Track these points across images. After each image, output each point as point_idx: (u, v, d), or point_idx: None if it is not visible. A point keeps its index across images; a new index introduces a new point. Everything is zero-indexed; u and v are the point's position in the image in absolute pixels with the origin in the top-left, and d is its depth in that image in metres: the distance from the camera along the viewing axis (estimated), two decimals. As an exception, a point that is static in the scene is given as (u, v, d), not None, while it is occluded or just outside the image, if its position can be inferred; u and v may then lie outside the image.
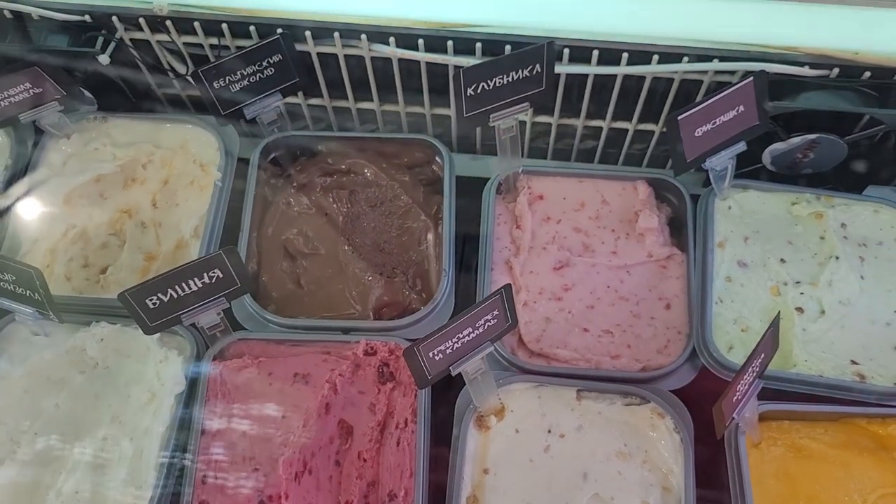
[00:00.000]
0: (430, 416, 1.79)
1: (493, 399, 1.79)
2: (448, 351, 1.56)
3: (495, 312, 1.57)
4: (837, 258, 1.88)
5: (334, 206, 2.01)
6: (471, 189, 2.09)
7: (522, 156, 2.27)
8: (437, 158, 2.09)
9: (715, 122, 1.76)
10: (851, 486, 1.73)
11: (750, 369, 1.56)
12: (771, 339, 1.60)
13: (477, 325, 1.56)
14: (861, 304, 1.85)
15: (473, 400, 1.74)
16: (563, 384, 1.82)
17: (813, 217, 1.95)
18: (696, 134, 1.76)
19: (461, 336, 1.55)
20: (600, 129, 2.16)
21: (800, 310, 1.84)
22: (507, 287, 1.54)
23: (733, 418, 1.60)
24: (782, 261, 1.90)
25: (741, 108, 1.77)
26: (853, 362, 1.80)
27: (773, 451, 1.77)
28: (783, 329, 1.84)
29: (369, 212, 2.00)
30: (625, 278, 1.95)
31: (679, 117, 1.72)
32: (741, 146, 1.83)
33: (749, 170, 2.05)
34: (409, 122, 2.24)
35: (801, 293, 1.86)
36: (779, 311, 1.57)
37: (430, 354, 1.54)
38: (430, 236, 1.97)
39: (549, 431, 1.78)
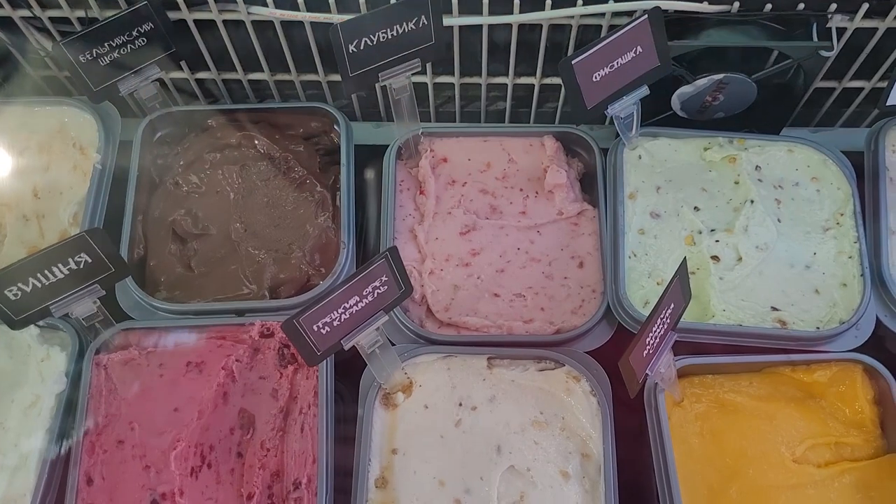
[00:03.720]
0: (333, 398, 1.68)
1: (399, 374, 1.68)
2: (336, 323, 1.45)
3: (383, 279, 1.46)
4: (752, 202, 1.80)
5: (225, 182, 1.88)
6: (375, 157, 1.98)
7: (432, 122, 2.17)
8: (335, 127, 1.97)
9: (613, 66, 1.67)
10: (779, 439, 1.65)
11: (658, 321, 1.46)
12: (680, 289, 1.50)
13: (364, 294, 1.45)
14: (779, 248, 1.77)
15: (375, 376, 1.63)
16: (472, 353, 1.71)
17: (726, 161, 1.87)
18: (593, 79, 1.67)
19: (347, 306, 1.44)
20: (506, 86, 2.05)
21: (716, 258, 1.76)
22: (392, 250, 1.43)
23: (647, 375, 1.51)
24: (696, 209, 1.82)
25: (639, 48, 1.67)
26: (774, 308, 1.72)
27: (696, 408, 1.69)
28: (700, 279, 1.75)
29: (262, 186, 1.88)
30: (535, 239, 1.86)
31: (573, 61, 1.62)
32: (644, 90, 1.74)
33: (661, 118, 1.96)
34: (315, 94, 2.12)
35: (717, 241, 1.77)
36: (685, 258, 1.47)
37: (315, 328, 1.42)
38: (328, 208, 1.85)
39: (461, 405, 1.68)
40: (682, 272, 1.48)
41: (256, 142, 1.92)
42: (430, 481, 1.61)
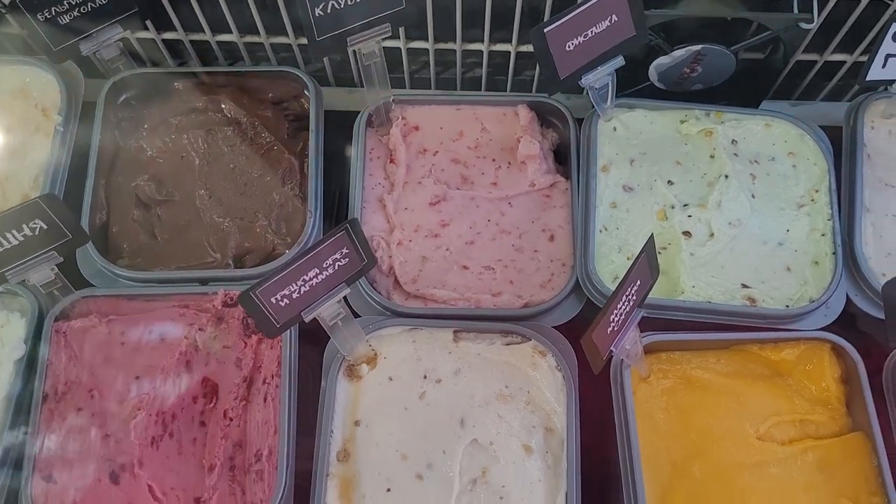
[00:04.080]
0: (296, 368, 1.66)
1: (363, 346, 1.66)
2: (295, 296, 1.42)
3: (344, 251, 1.43)
4: (727, 177, 1.77)
5: (190, 147, 1.83)
6: (348, 124, 1.93)
7: (407, 88, 2.11)
8: (305, 92, 1.92)
9: (587, 35, 1.62)
10: (744, 416, 1.64)
11: (624, 298, 1.44)
12: (647, 265, 1.48)
13: (324, 266, 1.42)
14: (752, 224, 1.75)
15: (339, 348, 1.61)
16: (438, 326, 1.69)
17: (702, 135, 1.83)
18: (567, 48, 1.62)
19: (307, 279, 1.41)
20: (482, 53, 2.00)
21: (687, 234, 1.73)
22: (352, 222, 1.40)
23: (611, 351, 1.49)
24: (670, 183, 1.79)
25: (614, 17, 1.63)
26: (744, 286, 1.70)
27: (662, 384, 1.67)
28: (670, 255, 1.73)
29: (228, 152, 1.83)
30: (506, 210, 1.83)
31: (545, 29, 1.57)
32: (619, 61, 1.69)
33: (639, 89, 1.91)
34: (287, 58, 2.06)
35: (689, 216, 1.75)
36: (651, 234, 1.44)
37: (273, 300, 1.39)
38: (296, 176, 1.81)
39: (425, 377, 1.66)
40: (649, 248, 1.46)
41: (223, 106, 1.87)
42: (392, 454, 1.60)
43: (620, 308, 1.44)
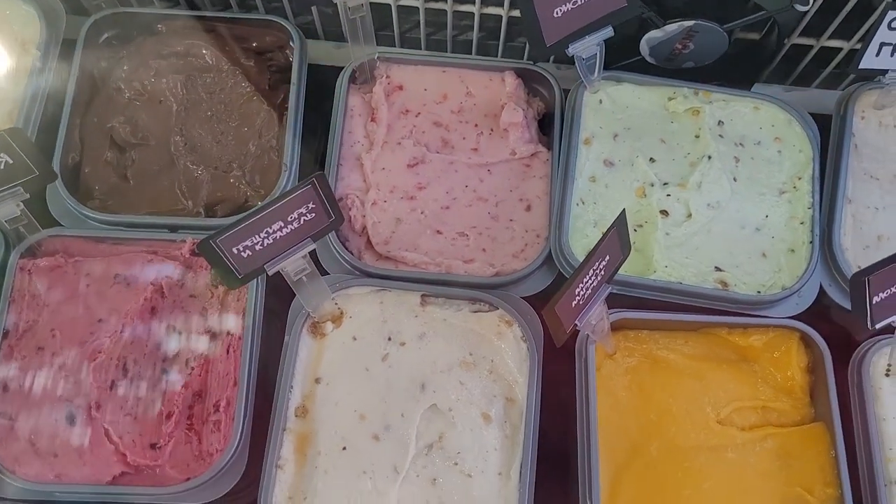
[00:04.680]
0: (261, 321, 1.65)
1: (329, 304, 1.65)
2: (258, 247, 1.40)
3: (310, 206, 1.41)
4: (710, 158, 1.74)
5: (169, 92, 1.81)
6: (332, 80, 1.90)
7: (396, 47, 2.08)
8: (290, 43, 1.88)
9: (576, 2, 1.59)
10: (706, 399, 1.64)
11: (591, 272, 1.42)
12: (618, 241, 1.46)
13: (289, 220, 1.40)
14: (731, 207, 1.72)
15: (303, 304, 1.60)
16: (406, 289, 1.68)
17: (689, 114, 1.80)
18: (555, 14, 1.59)
19: (271, 231, 1.39)
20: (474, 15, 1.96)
21: (664, 213, 1.71)
22: (319, 177, 1.37)
23: (576, 326, 1.48)
24: (652, 160, 1.76)
25: (606, -15, 1.59)
26: (717, 269, 1.68)
27: (628, 361, 1.66)
28: (646, 233, 1.71)
29: (207, 99, 1.81)
30: (485, 177, 1.80)
31: (533, -7, 1.54)
32: (608, 31, 1.66)
33: (630, 62, 1.88)
34: (278, 7, 2.02)
35: (668, 195, 1.72)
36: (623, 210, 1.42)
37: (235, 251, 1.38)
38: (274, 128, 1.78)
39: (390, 339, 1.65)
40: (621, 224, 1.44)
41: (205, 52, 1.84)
42: (350, 414, 1.60)
43: (587, 282, 1.43)
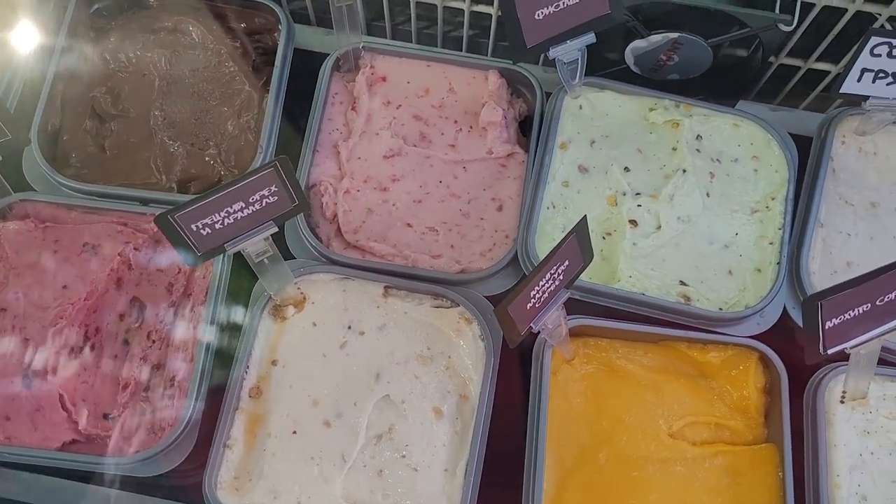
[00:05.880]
0: (224, 299, 1.66)
1: (292, 289, 1.65)
2: (218, 226, 1.41)
3: (272, 188, 1.41)
4: (685, 171, 1.74)
5: (153, 66, 1.82)
6: (321, 66, 1.90)
7: (387, 38, 2.08)
8: (279, 26, 1.89)
9: (558, 5, 1.58)
10: (660, 411, 1.64)
11: (548, 276, 1.42)
12: (578, 247, 1.46)
13: (251, 201, 1.41)
14: (702, 222, 1.72)
15: (265, 287, 1.61)
16: (370, 279, 1.68)
17: (669, 126, 1.80)
18: (536, 16, 1.58)
19: (231, 210, 1.40)
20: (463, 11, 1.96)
21: (633, 222, 1.71)
22: (282, 160, 1.38)
23: (531, 327, 1.48)
24: (627, 169, 1.76)
25: (590, -9, 1.59)
26: (682, 283, 1.68)
27: (585, 368, 1.66)
28: (614, 242, 1.71)
29: (190, 76, 1.81)
30: (459, 174, 1.80)
31: (515, -6, 1.54)
32: (590, 37, 1.65)
33: (615, 70, 1.88)
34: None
35: (639, 205, 1.72)
36: (584, 216, 1.42)
37: (194, 227, 1.39)
38: (254, 110, 1.79)
39: (350, 327, 1.66)
40: (581, 230, 1.44)
41: (192, 29, 1.85)
42: (304, 398, 1.60)
43: (543, 286, 1.43)
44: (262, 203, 1.43)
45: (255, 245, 1.49)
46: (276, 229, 1.49)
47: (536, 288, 1.42)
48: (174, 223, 1.36)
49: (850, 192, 1.78)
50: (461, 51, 2.10)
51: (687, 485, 1.58)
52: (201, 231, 1.40)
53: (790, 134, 1.85)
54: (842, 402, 1.60)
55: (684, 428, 1.63)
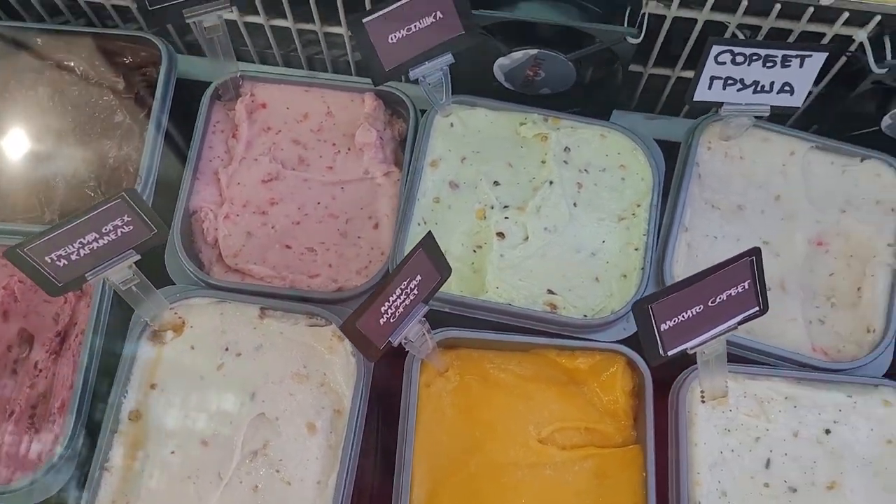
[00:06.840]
0: (103, 327, 1.71)
1: (168, 314, 1.70)
2: (73, 256, 1.46)
3: (125, 218, 1.47)
4: (552, 183, 1.79)
5: (36, 103, 1.87)
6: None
7: (256, 63, 2.15)
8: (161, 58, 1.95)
9: (410, 29, 1.64)
10: (530, 418, 1.68)
11: (398, 291, 1.47)
12: (427, 261, 1.50)
13: (104, 231, 1.46)
14: (568, 232, 1.77)
15: (138, 313, 1.65)
16: (246, 301, 1.73)
17: (538, 139, 1.85)
18: (389, 41, 1.64)
19: (85, 241, 1.45)
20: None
21: (501, 235, 1.76)
22: (130, 191, 1.43)
23: (389, 342, 1.52)
24: (496, 183, 1.81)
25: (439, 14, 1.64)
26: (550, 292, 1.73)
27: (457, 379, 1.70)
28: (483, 255, 1.76)
29: (70, 111, 1.87)
30: (337, 195, 1.86)
31: (364, 20, 1.59)
32: (448, 58, 1.71)
33: (489, 88, 1.93)
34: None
35: (506, 217, 1.77)
36: (430, 232, 1.47)
37: (48, 259, 1.43)
38: (134, 141, 1.85)
39: (227, 349, 1.71)
40: (427, 244, 1.48)
41: (74, 65, 1.90)
42: (181, 420, 1.65)
43: (395, 301, 1.47)
44: (117, 233, 1.48)
45: (119, 273, 1.54)
46: (137, 257, 1.54)
47: (387, 304, 1.46)
48: (25, 256, 1.40)
49: (716, 196, 1.83)
50: (351, 74, 2.16)
51: (555, 488, 1.62)
52: (57, 263, 1.45)
53: (669, 142, 1.90)
54: (702, 401, 1.64)
55: (554, 433, 1.67)
